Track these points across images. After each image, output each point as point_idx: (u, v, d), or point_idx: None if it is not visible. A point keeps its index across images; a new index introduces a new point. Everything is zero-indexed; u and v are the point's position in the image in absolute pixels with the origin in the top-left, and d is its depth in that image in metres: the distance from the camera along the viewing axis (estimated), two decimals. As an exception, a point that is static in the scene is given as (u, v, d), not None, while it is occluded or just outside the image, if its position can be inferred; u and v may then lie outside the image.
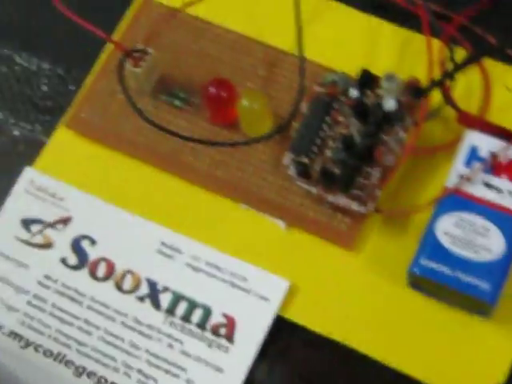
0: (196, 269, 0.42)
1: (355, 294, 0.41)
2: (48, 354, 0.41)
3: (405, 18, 0.46)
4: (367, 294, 0.41)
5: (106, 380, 0.40)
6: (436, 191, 0.41)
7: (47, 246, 0.43)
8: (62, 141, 0.45)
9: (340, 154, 0.41)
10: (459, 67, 0.43)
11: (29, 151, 0.46)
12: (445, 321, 0.40)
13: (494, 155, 0.40)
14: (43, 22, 0.49)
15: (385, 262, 0.42)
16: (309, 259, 0.42)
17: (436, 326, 0.40)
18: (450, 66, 0.44)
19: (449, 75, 0.42)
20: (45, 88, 0.47)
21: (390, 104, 0.41)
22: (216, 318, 0.41)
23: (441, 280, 0.38)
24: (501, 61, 0.44)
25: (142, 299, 0.41)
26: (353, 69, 0.43)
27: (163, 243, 0.42)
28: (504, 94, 0.44)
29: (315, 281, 0.41)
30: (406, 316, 0.41)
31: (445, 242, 0.39)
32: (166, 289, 0.41)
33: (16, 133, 0.46)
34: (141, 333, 0.41)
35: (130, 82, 0.44)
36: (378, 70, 0.43)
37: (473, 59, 0.43)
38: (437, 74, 0.43)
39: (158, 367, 0.40)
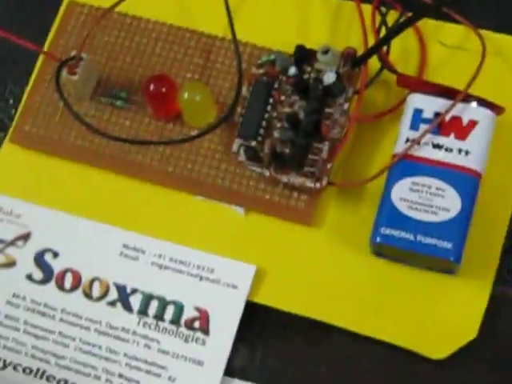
0: (162, 266, 0.40)
1: (321, 268, 0.40)
2: (27, 371, 0.39)
3: None
4: (333, 268, 0.40)
5: None
6: (387, 158, 0.39)
7: (10, 264, 0.41)
8: (9, 156, 0.43)
9: (287, 133, 0.40)
10: (394, 32, 0.40)
11: None
12: (413, 283, 0.39)
13: (438, 115, 0.38)
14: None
15: (346, 234, 0.40)
16: (272, 241, 0.40)
17: (404, 289, 0.39)
18: (383, 32, 0.42)
19: (383, 41, 0.41)
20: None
21: (329, 77, 0.39)
22: (189, 313, 0.39)
23: (403, 246, 0.37)
24: (433, 18, 0.43)
25: (112, 304, 0.40)
26: (289, 46, 0.41)
27: (125, 245, 0.41)
28: (440, 51, 0.43)
29: (281, 262, 0.40)
30: (374, 284, 0.39)
31: (402, 207, 0.37)
32: (134, 290, 0.40)
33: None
34: (116, 337, 0.39)
35: (69, 89, 0.42)
36: (313, 43, 0.41)
37: (408, 23, 0.40)
38: (372, 40, 0.41)
39: (138, 369, 0.39)
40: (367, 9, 0.42)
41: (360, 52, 0.40)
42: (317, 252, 0.40)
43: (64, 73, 0.41)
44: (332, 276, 0.39)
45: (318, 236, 0.40)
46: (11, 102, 0.45)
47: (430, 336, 0.39)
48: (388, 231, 0.37)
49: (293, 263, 0.40)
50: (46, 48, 0.45)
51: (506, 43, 0.43)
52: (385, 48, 0.41)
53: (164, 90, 0.40)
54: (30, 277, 0.40)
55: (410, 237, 0.37)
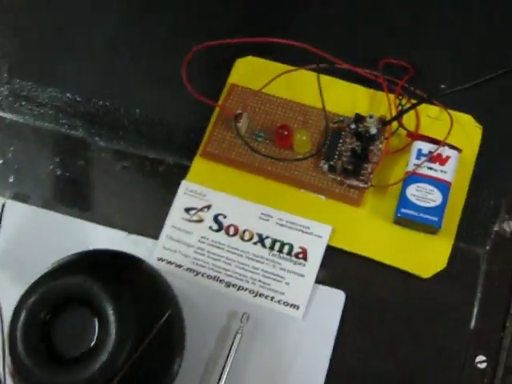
0: (281, 225, 0.46)
1: (364, 230, 0.46)
2: (209, 277, 0.46)
3: (372, 85, 0.50)
4: (370, 230, 0.46)
5: (242, 287, 0.45)
6: (402, 173, 0.46)
7: (200, 221, 0.47)
8: (199, 164, 0.49)
9: (350, 158, 0.46)
10: (405, 110, 0.47)
11: (182, 172, 0.49)
12: (413, 237, 0.45)
13: (430, 152, 0.45)
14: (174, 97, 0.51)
15: (378, 212, 0.46)
16: (339, 214, 0.46)
17: (409, 240, 0.45)
18: (401, 106, 0.48)
19: (399, 114, 0.47)
20: (184, 139, 0.50)
21: (372, 130, 0.46)
22: (296, 249, 0.46)
23: (412, 218, 0.44)
24: (424, 103, 0.48)
25: (255, 243, 0.46)
26: (350, 113, 0.48)
27: (262, 213, 0.47)
28: (427, 120, 0.48)
29: (344, 225, 0.46)
30: (392, 237, 0.46)
31: (411, 199, 0.45)
32: (267, 237, 0.46)
33: (173, 161, 0.49)
34: (257, 261, 0.46)
35: (234, 129, 0.48)
36: (363, 112, 0.48)
37: (413, 106, 0.47)
38: (394, 112, 0.47)
39: (268, 278, 0.45)
40: (391, 97, 0.48)
41: (387, 118, 0.47)
42: (361, 221, 0.46)
43: (234, 121, 0.48)
44: (370, 233, 0.46)
45: (363, 212, 0.47)
46: (200, 135, 0.50)
47: (420, 264, 0.45)
48: (404, 210, 0.44)
49: (349, 226, 0.46)
50: (220, 103, 0.50)
51: (462, 117, 0.48)
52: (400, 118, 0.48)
53: (286, 133, 0.47)
54: (210, 227, 0.47)
55: (415, 214, 0.44)
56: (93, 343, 0.38)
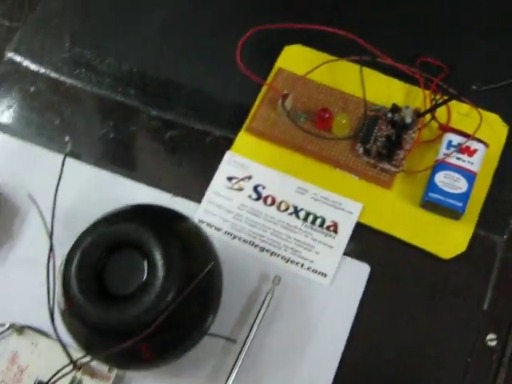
0: (316, 199, 0.49)
1: (391, 210, 0.49)
2: (246, 242, 0.49)
3: (408, 80, 0.52)
4: (398, 211, 0.49)
5: (274, 253, 0.48)
6: (430, 162, 0.48)
7: (240, 189, 0.50)
8: (243, 138, 0.52)
9: (385, 144, 0.49)
10: (438, 105, 0.50)
11: (226, 144, 0.52)
12: (438, 221, 0.48)
13: (459, 144, 0.48)
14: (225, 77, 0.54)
15: (406, 195, 0.49)
16: (369, 194, 0.49)
17: (434, 223, 0.48)
18: (435, 101, 0.50)
19: (433, 108, 0.50)
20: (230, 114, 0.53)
21: (408, 120, 0.49)
22: (328, 223, 0.49)
23: (438, 202, 0.47)
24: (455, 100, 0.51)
25: (290, 214, 0.49)
26: (387, 103, 0.51)
27: (298, 187, 0.49)
28: (457, 116, 0.51)
29: (373, 204, 0.49)
30: (418, 219, 0.48)
31: (439, 185, 0.47)
32: (301, 209, 0.49)
33: (219, 134, 0.52)
34: (291, 230, 0.48)
35: (279, 109, 0.51)
36: (400, 103, 0.51)
37: (444, 102, 0.50)
38: (428, 105, 0.50)
39: (300, 246, 0.48)
40: (427, 92, 0.51)
41: (422, 111, 0.50)
42: (390, 202, 0.49)
43: (280, 100, 0.51)
44: (397, 213, 0.49)
45: (392, 194, 0.49)
46: (246, 112, 0.52)
47: (442, 245, 0.47)
48: (432, 194, 0.47)
49: (378, 206, 0.49)
50: (268, 82, 0.53)
51: (490, 116, 0.51)
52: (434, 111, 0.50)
53: (327, 115, 0.50)
54: (250, 196, 0.50)
55: (442, 198, 0.47)
56: (141, 284, 0.41)
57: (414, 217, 0.49)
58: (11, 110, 0.56)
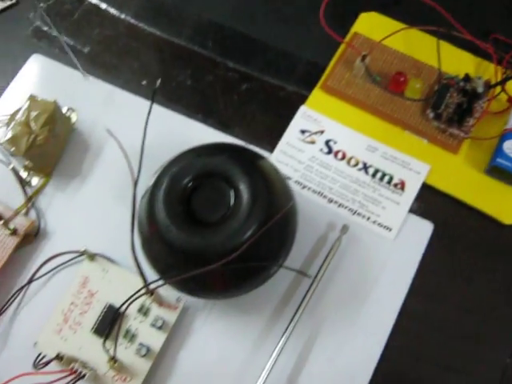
0: (386, 158, 0.51)
1: (457, 174, 0.50)
2: (315, 192, 0.51)
3: (480, 54, 0.54)
4: (463, 175, 0.50)
5: (342, 205, 0.50)
6: (497, 132, 0.50)
7: (312, 142, 0.52)
8: (317, 95, 0.53)
9: (456, 110, 0.51)
10: (509, 77, 0.51)
11: (300, 99, 0.53)
12: (500, 187, 0.50)
13: None
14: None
15: (472, 161, 0.51)
16: (437, 157, 0.51)
17: (497, 189, 0.50)
18: (506, 75, 0.51)
19: (504, 80, 0.51)
20: (306, 71, 0.55)
21: (479, 89, 0.51)
22: (396, 180, 0.50)
23: (505, 168, 0.48)
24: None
25: (359, 170, 0.51)
26: (460, 73, 0.52)
27: (368, 145, 0.51)
28: None
29: (439, 167, 0.50)
30: (482, 184, 0.50)
31: (507, 151, 0.49)
32: (370, 166, 0.51)
33: (292, 90, 0.54)
34: (359, 184, 0.50)
35: (356, 68, 0.53)
36: (472, 74, 0.52)
37: None
38: (499, 78, 0.52)
39: (367, 201, 0.50)
40: (499, 68, 0.52)
41: (492, 83, 0.52)
42: (456, 166, 0.51)
43: (359, 60, 0.53)
44: (462, 177, 0.50)
45: (458, 159, 0.51)
46: (317, 69, 0.54)
47: (503, 211, 0.49)
48: (500, 160, 0.48)
49: (445, 169, 0.50)
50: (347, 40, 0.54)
51: None
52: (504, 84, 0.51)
53: (402, 79, 0.52)
54: (321, 150, 0.52)
55: (509, 164, 0.48)
56: (227, 213, 0.43)
57: (479, 182, 0.50)
58: (90, 53, 0.58)
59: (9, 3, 0.61)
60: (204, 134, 0.53)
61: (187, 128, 0.54)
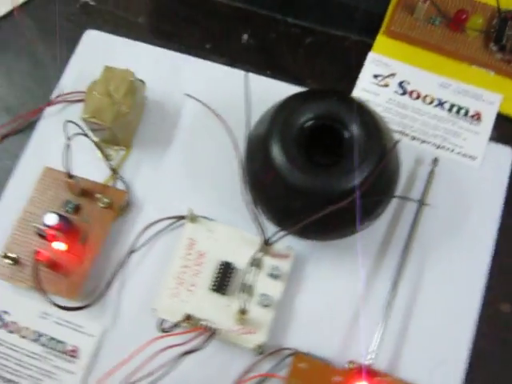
0: (458, 92, 0.53)
1: None
2: (395, 131, 0.52)
3: None
4: None
5: (424, 141, 0.51)
6: None
7: (386, 85, 0.54)
8: (382, 41, 0.55)
9: None
10: None
11: (364, 48, 0.55)
12: None
13: None
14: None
15: None
16: (505, 87, 0.53)
17: None
18: None
19: None
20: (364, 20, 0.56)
21: None
22: (471, 112, 0.53)
23: None
24: None
25: (435, 106, 0.53)
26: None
27: (440, 82, 0.53)
28: None
29: (509, 95, 0.53)
30: None
31: None
32: (446, 101, 0.53)
33: (355, 39, 0.56)
34: (438, 120, 0.52)
35: (417, 12, 0.54)
36: None
37: None
38: None
39: (448, 134, 0.52)
40: None
41: None
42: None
43: (421, 1, 0.54)
44: None
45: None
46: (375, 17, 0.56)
47: None
48: None
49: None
50: None
51: None
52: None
53: (464, 16, 0.53)
54: (396, 92, 0.53)
55: None
56: (343, 152, 0.44)
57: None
58: (145, 23, 0.58)
59: (50, -17, 0.60)
60: (279, 89, 0.53)
61: (259, 84, 0.54)
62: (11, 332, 0.49)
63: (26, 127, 0.55)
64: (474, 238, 0.50)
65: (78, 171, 0.50)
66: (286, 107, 0.45)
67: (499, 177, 0.52)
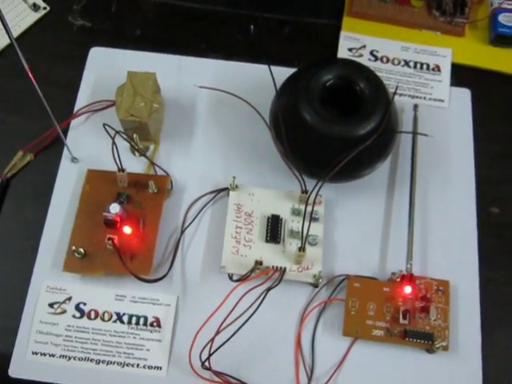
0: (418, 52, 0.64)
1: (467, 49, 0.65)
2: None
3: None
4: (470, 49, 0.65)
5: (402, 94, 0.66)
6: (486, 12, 0.67)
7: (361, 56, 0.64)
8: (348, 21, 0.66)
9: (454, 4, 0.66)
10: None
11: (335, 29, 0.65)
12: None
13: None
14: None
15: (476, 38, 0.66)
16: (451, 42, 0.65)
17: (504, 56, 0.66)
18: None
19: None
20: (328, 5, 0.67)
21: None
22: (432, 66, 0.64)
23: (506, 34, 0.64)
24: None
25: (402, 66, 0.66)
26: None
27: (401, 46, 0.65)
28: None
29: (455, 48, 0.66)
30: (491, 54, 0.66)
31: (503, 21, 0.66)
32: (410, 60, 0.66)
33: (326, 23, 0.67)
34: (402, 75, 0.67)
35: None
36: None
37: None
38: None
39: (417, 86, 0.67)
40: None
41: None
42: (466, 45, 0.65)
43: None
44: (470, 50, 0.65)
45: (466, 40, 0.65)
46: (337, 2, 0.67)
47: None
48: (501, 29, 0.65)
49: (458, 48, 0.65)
50: None
51: None
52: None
53: None
54: (369, 59, 0.64)
55: (508, 30, 0.66)
56: (360, 103, 0.54)
57: (487, 52, 0.66)
58: (142, 34, 0.66)
59: (44, 12, 0.66)
60: (275, 73, 0.61)
61: (253, 71, 0.63)
62: (93, 319, 0.54)
63: (54, 141, 0.60)
64: (458, 158, 0.61)
65: (115, 167, 0.55)
66: (308, 72, 0.54)
67: (465, 111, 0.63)
